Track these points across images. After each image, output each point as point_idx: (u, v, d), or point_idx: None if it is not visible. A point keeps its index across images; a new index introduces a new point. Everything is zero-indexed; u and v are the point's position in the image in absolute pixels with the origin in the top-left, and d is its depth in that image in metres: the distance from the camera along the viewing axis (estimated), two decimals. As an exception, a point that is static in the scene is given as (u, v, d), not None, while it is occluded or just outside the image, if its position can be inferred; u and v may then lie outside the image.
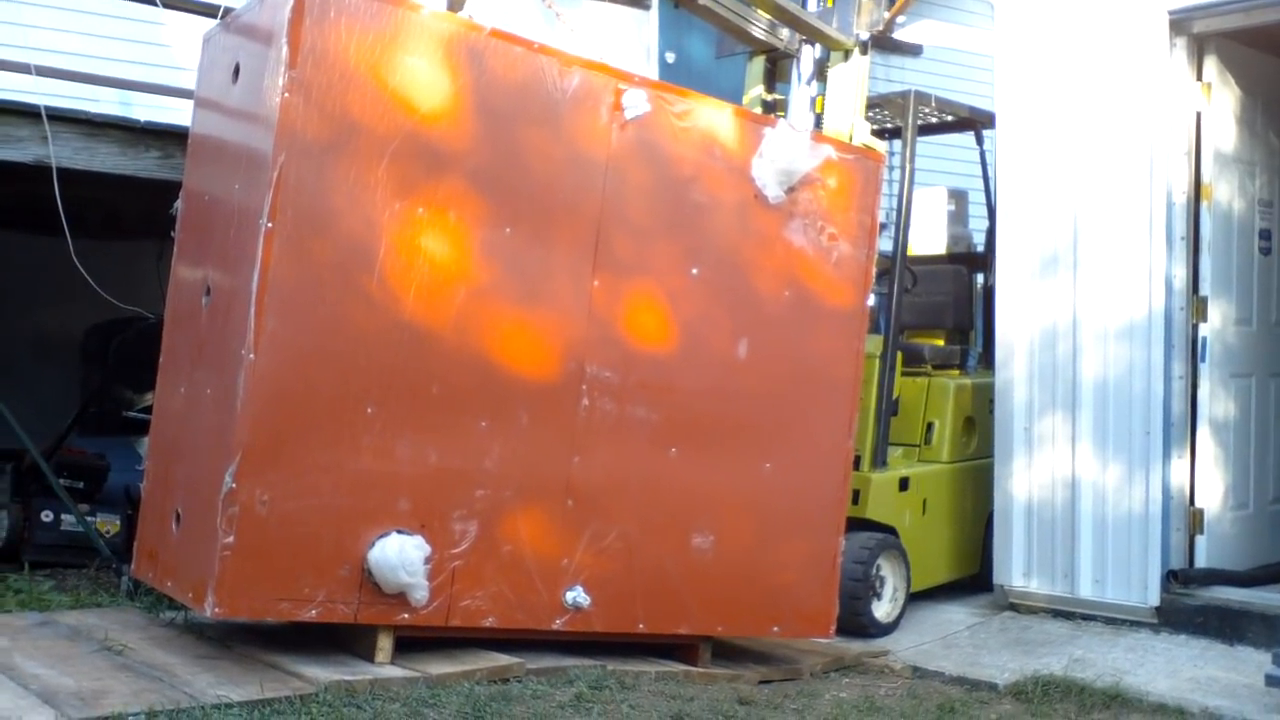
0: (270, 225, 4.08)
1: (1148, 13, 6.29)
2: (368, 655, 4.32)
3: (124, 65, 7.26)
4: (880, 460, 6.46)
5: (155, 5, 6.58)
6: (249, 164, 4.34)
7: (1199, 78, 6.40)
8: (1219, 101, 6.44)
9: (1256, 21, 6.16)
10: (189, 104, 5.19)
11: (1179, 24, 6.28)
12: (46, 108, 5.87)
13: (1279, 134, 6.88)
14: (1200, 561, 6.27)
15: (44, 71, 6.18)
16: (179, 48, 7.40)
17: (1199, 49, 6.40)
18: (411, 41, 4.32)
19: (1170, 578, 6.15)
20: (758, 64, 6.54)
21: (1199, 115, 6.38)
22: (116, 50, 7.46)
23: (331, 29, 4.17)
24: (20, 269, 8.73)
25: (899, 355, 6.68)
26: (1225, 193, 6.48)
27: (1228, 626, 5.92)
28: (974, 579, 6.94)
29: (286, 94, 4.10)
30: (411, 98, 4.34)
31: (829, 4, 6.40)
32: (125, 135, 6.14)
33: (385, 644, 4.33)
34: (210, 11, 6.16)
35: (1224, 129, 6.48)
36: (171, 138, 6.04)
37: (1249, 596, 6.06)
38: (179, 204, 5.03)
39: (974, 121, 7.55)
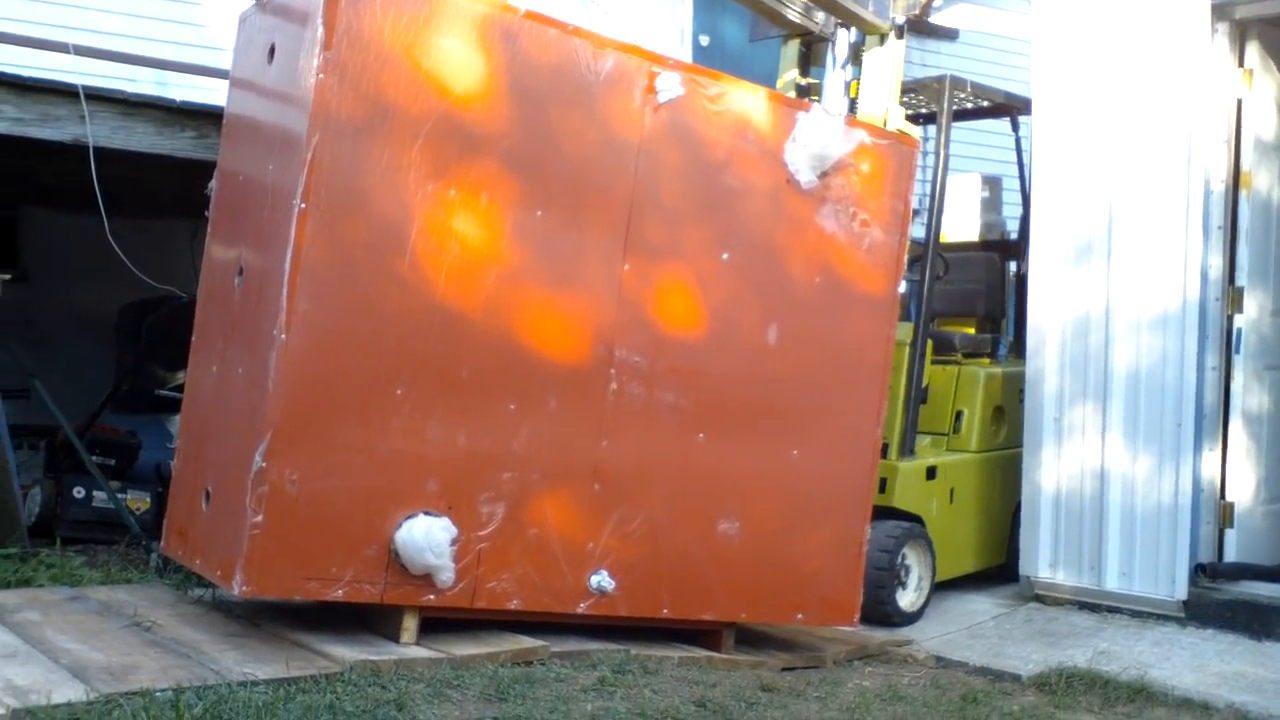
0: (304, 206, 4.10)
1: (1189, -1, 6.21)
2: (393, 635, 4.35)
3: (161, 45, 7.32)
4: (908, 448, 6.44)
5: (191, -15, 6.61)
6: (283, 144, 4.36)
7: (1240, 64, 6.31)
8: (1261, 88, 6.35)
9: (1300, 8, 6.08)
10: (224, 84, 5.22)
11: (1221, 9, 6.19)
12: (84, 87, 5.92)
13: (1321, 123, 6.79)
14: (1230, 555, 6.22)
15: (82, 51, 6.24)
16: (215, 28, 7.43)
17: (1241, 35, 6.31)
18: (446, 23, 4.32)
19: (1199, 571, 6.10)
20: (792, 48, 6.50)
21: (1239, 102, 6.30)
22: (154, 30, 7.51)
23: (367, 10, 4.17)
24: (57, 247, 8.83)
25: (929, 343, 6.64)
26: (1265, 181, 6.40)
27: (1256, 622, 5.87)
28: (1000, 569, 6.92)
29: (321, 75, 4.11)
30: (445, 79, 4.34)
31: (865, -12, 6.35)
32: (161, 115, 6.18)
33: (410, 624, 4.36)
34: (247, -9, 6.18)
35: (1265, 116, 6.39)
36: (207, 118, 6.08)
37: (1278, 591, 6.01)
38: (213, 184, 5.06)
39: (1010, 107, 7.48)
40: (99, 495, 6.32)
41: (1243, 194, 6.27)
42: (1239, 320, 6.27)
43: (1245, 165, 6.27)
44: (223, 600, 4.81)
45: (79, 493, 6.39)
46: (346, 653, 4.15)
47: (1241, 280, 6.27)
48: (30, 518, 6.27)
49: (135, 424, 7.42)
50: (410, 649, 4.30)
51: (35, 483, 6.58)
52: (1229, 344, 6.27)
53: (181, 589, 5.10)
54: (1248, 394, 6.29)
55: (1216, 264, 6.23)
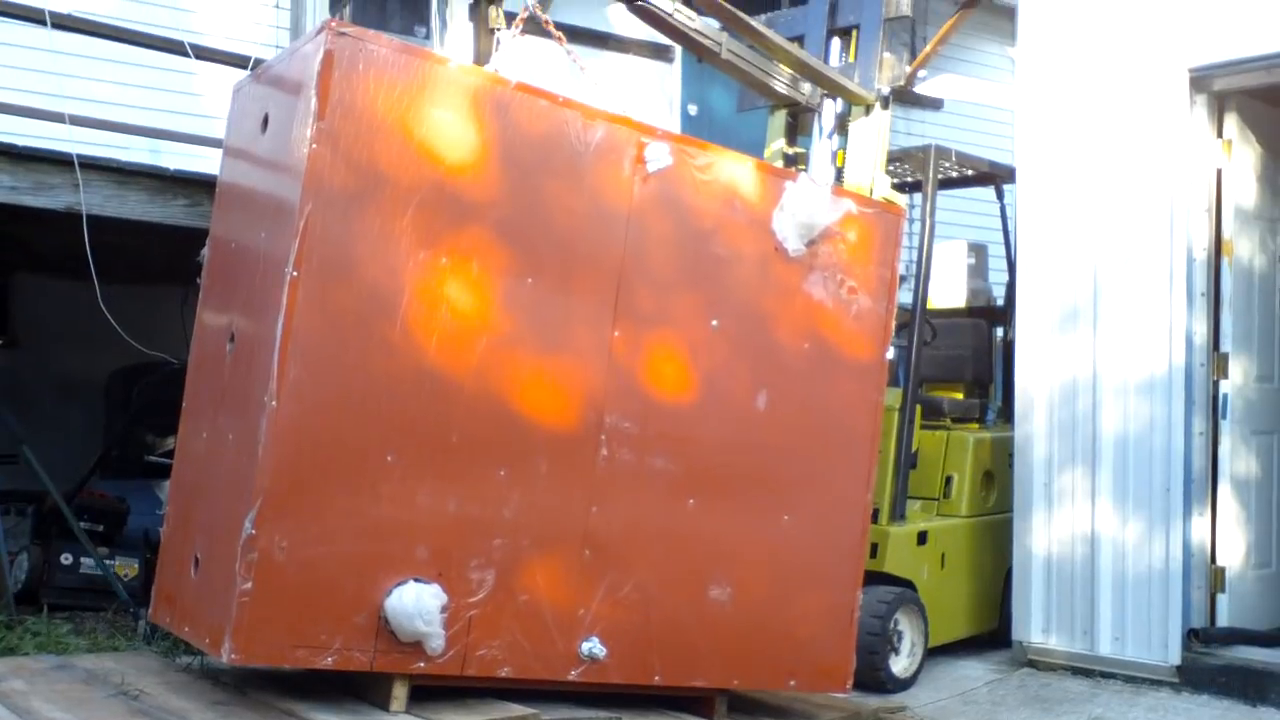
0: (295, 274, 4.12)
1: (1168, 70, 6.33)
2: (383, 704, 4.31)
3: (155, 114, 7.40)
4: (899, 513, 6.44)
5: (187, 56, 6.71)
6: (276, 212, 4.39)
7: (1219, 134, 6.43)
8: (1240, 158, 6.46)
9: (1277, 79, 6.19)
10: (218, 153, 5.28)
11: (1199, 81, 6.32)
12: (79, 156, 5.98)
13: (1300, 192, 6.90)
14: (1222, 620, 6.21)
15: (77, 121, 6.31)
16: (209, 98, 7.53)
17: (1219, 106, 6.43)
18: (438, 94, 4.38)
19: (1191, 636, 6.09)
20: (779, 117, 6.60)
21: (1219, 172, 6.40)
22: (148, 99, 7.60)
23: (360, 81, 4.23)
24: (48, 313, 8.85)
25: (918, 408, 6.68)
26: (1246, 249, 6.49)
27: (1250, 687, 5.86)
28: (993, 635, 6.90)
29: (314, 144, 4.16)
30: (437, 149, 4.39)
31: (850, 59, 6.47)
32: (155, 183, 6.24)
33: (400, 693, 4.32)
34: (240, 62, 6.30)
35: (1245, 185, 6.49)
36: (200, 186, 6.14)
37: (1272, 656, 6.00)
38: (205, 251, 5.09)
39: (994, 176, 7.59)
40: (87, 562, 6.28)
41: (1225, 261, 6.36)
42: (1224, 386, 6.33)
43: (1226, 233, 6.37)
44: (211, 668, 4.77)
45: (67, 559, 6.35)
46: (335, 722, 4.11)
47: (1226, 346, 6.34)
48: (17, 584, 6.22)
49: (124, 490, 7.39)
50: (400, 718, 4.26)
51: (22, 549, 6.54)
52: (1215, 409, 6.32)
53: (169, 656, 5.06)
54: (1235, 459, 6.33)
55: (1201, 330, 6.29)
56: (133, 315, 6.30)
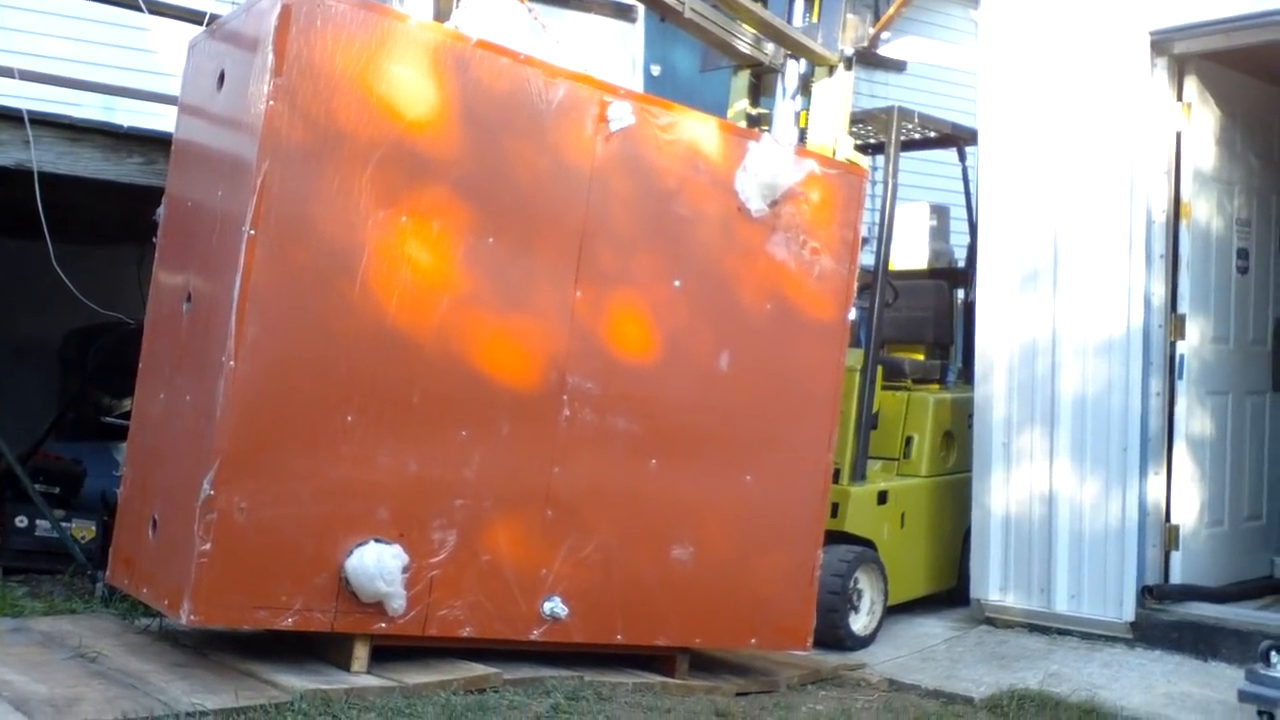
0: (253, 232, 4.08)
1: (1129, 33, 6.35)
2: (344, 664, 4.31)
3: (108, 70, 7.26)
4: (859, 474, 6.48)
5: (140, 11, 6.57)
6: (232, 170, 4.34)
7: (1179, 98, 6.46)
8: (1199, 121, 6.50)
9: (1236, 43, 6.22)
10: (173, 110, 5.19)
11: (1160, 45, 6.34)
12: (29, 112, 5.85)
13: (1258, 154, 6.95)
14: (1175, 578, 6.31)
15: (28, 76, 6.17)
16: (164, 54, 7.39)
17: (1179, 70, 6.46)
18: (398, 51, 4.33)
19: (1145, 593, 6.19)
20: (742, 78, 6.57)
21: (1179, 135, 6.44)
22: (101, 55, 7.45)
23: (318, 37, 4.17)
24: (0, 273, 8.70)
25: (879, 369, 6.71)
26: (1204, 212, 6.54)
27: (1202, 642, 5.96)
28: (951, 593, 6.97)
29: (271, 101, 4.10)
30: (397, 106, 4.34)
31: (814, 19, 6.44)
32: (108, 140, 6.13)
33: (361, 653, 4.32)
34: (196, 18, 6.16)
35: (1203, 149, 6.54)
36: (155, 143, 6.04)
37: (1223, 612, 6.10)
38: (161, 210, 5.02)
39: (956, 138, 7.60)
40: (43, 524, 6.21)
41: (1183, 224, 6.41)
42: (1181, 346, 6.39)
43: (1185, 196, 6.41)
44: (170, 629, 4.74)
45: (22, 522, 6.27)
46: (296, 682, 4.10)
47: (1183, 308, 6.40)
48: (-29, 549, 6.14)
49: (80, 452, 7.30)
50: (361, 678, 4.26)
51: (-24, 512, 6.46)
52: (1172, 370, 6.38)
53: (128, 619, 5.02)
54: (1191, 419, 6.41)
55: (1159, 292, 6.34)
56: (88, 275, 6.20)
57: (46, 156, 5.89)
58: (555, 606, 4.66)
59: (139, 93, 6.75)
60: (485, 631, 4.55)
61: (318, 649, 4.42)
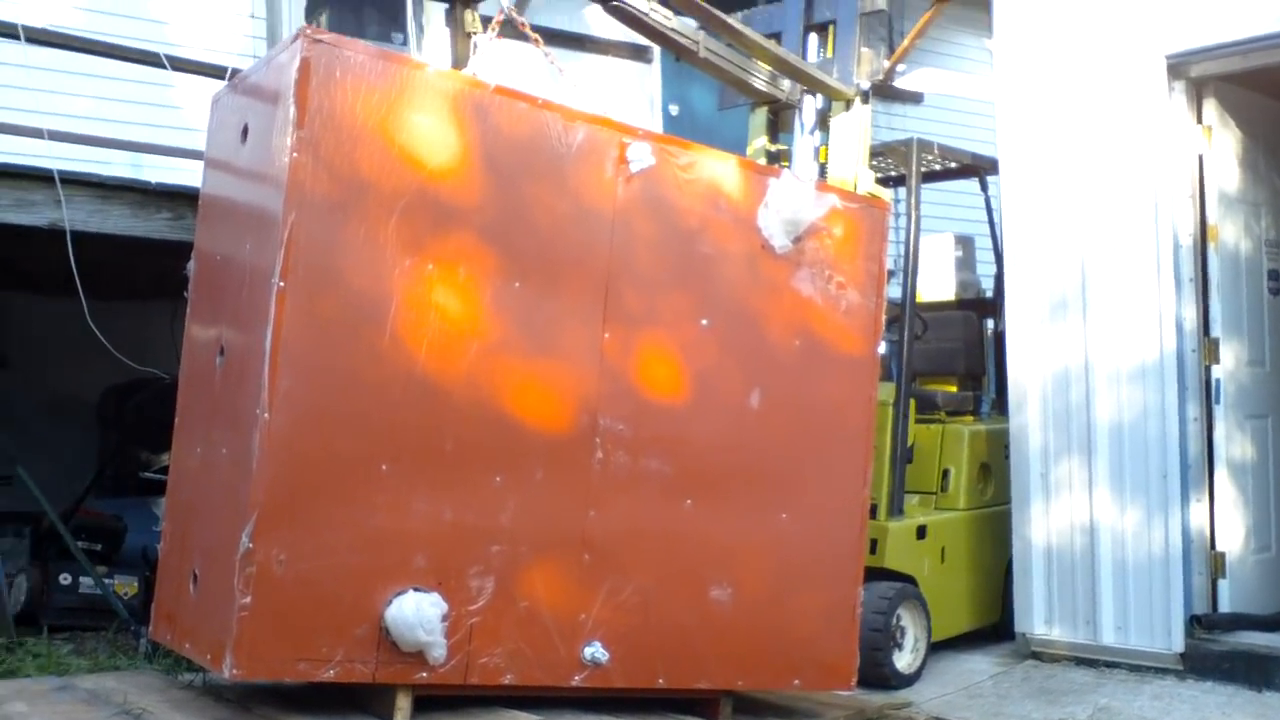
0: (282, 284, 4.09)
1: (1146, 57, 6.33)
2: (386, 714, 4.28)
3: (135, 128, 7.35)
4: (897, 508, 6.42)
5: (164, 68, 6.66)
6: (260, 223, 4.36)
7: (1199, 120, 6.43)
8: (1220, 144, 6.46)
9: (1254, 64, 6.20)
10: (199, 165, 5.24)
11: (1177, 68, 6.32)
12: (60, 172, 5.93)
13: (1283, 174, 6.91)
14: (1223, 606, 6.20)
15: (57, 136, 6.26)
16: (188, 109, 7.48)
17: (1198, 92, 6.44)
18: (417, 99, 4.36)
19: (1194, 622, 6.08)
20: (760, 115, 6.59)
21: (1201, 158, 6.41)
22: (127, 113, 7.56)
23: (338, 88, 4.20)
24: (36, 331, 8.80)
25: (912, 402, 6.66)
26: (1231, 234, 6.49)
27: (1255, 671, 5.85)
28: (995, 628, 6.88)
29: (295, 153, 4.13)
30: (419, 154, 4.36)
31: (828, 54, 6.46)
32: (137, 197, 6.20)
33: (404, 703, 4.28)
34: (218, 73, 6.25)
35: (1227, 171, 6.50)
36: (183, 199, 6.10)
37: (1275, 641, 5.99)
38: (191, 264, 5.06)
39: (977, 168, 7.58)
40: (85, 581, 6.24)
41: (1211, 247, 6.36)
42: (1217, 371, 6.32)
43: (1211, 219, 6.37)
44: (213, 684, 4.72)
45: (65, 579, 6.30)
46: (337, 735, 4.08)
47: (1216, 331, 6.34)
48: (16, 606, 6.17)
49: (121, 508, 7.35)
50: (402, 729, 4.23)
51: (20, 570, 6.49)
52: (1209, 395, 6.31)
53: (171, 674, 5.02)
54: (1230, 443, 6.32)
55: (1190, 316, 6.29)
56: (122, 331, 6.26)
57: (78, 215, 5.96)
58: (596, 651, 4.62)
59: (165, 149, 6.84)
60: (526, 679, 4.51)
61: (360, 700, 4.39)
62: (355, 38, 4.47)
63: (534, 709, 4.52)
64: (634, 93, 9.99)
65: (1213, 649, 6.00)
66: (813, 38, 6.58)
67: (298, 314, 4.12)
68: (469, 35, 5.40)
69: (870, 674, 5.70)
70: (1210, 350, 6.33)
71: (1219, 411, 6.30)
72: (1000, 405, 7.22)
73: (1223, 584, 6.21)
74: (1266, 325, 6.69)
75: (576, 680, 4.61)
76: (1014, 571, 6.64)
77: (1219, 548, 6.23)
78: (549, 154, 4.64)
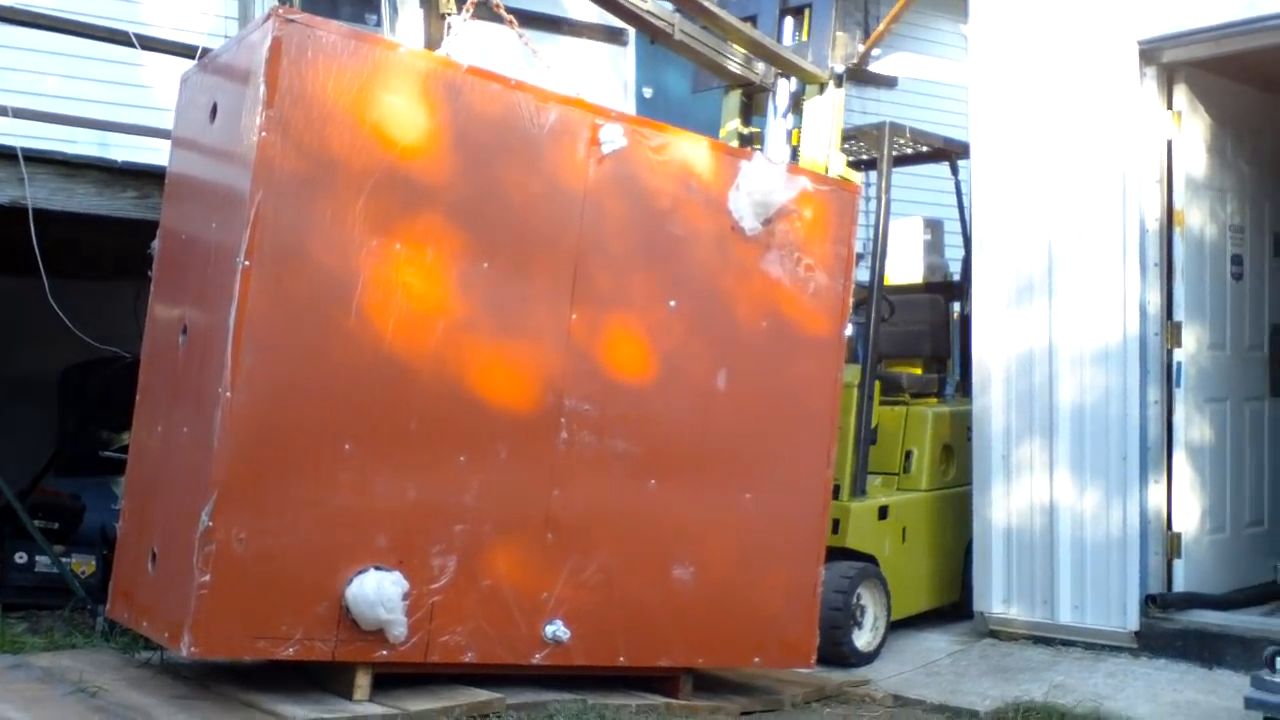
0: (247, 263, 4.09)
1: (1118, 43, 6.37)
2: (346, 693, 4.30)
3: (102, 106, 7.28)
4: (859, 489, 6.48)
5: (133, 46, 6.60)
6: (226, 202, 4.35)
7: (1169, 106, 6.48)
8: (1189, 129, 6.52)
9: (1225, 50, 6.25)
10: (166, 144, 5.21)
11: (1149, 54, 6.36)
12: (23, 149, 5.87)
13: (1249, 161, 6.97)
14: (1178, 585, 6.30)
15: (21, 113, 6.20)
16: (157, 88, 7.42)
17: (1169, 78, 6.49)
18: (390, 79, 4.35)
19: (1149, 602, 6.17)
20: (734, 98, 6.59)
21: (1170, 143, 6.46)
22: (94, 91, 7.48)
23: (309, 68, 4.19)
24: (-3, 309, 8.71)
25: (877, 384, 6.71)
26: (1197, 219, 6.55)
27: (1206, 650, 5.94)
28: (954, 606, 6.96)
29: (264, 132, 4.12)
30: (389, 134, 4.36)
31: (804, 38, 6.46)
32: (103, 175, 6.15)
33: (363, 681, 4.31)
34: (188, 52, 6.19)
35: (1195, 156, 6.56)
36: (149, 177, 6.05)
37: (1227, 620, 6.09)
38: (156, 243, 5.03)
39: (949, 152, 7.62)
40: (42, 560, 6.21)
41: (1177, 232, 6.42)
42: (1178, 354, 6.39)
43: (1178, 204, 6.43)
44: (171, 662, 4.73)
45: (21, 558, 6.26)
46: (299, 712, 4.09)
47: (1179, 315, 6.40)
48: (-29, 586, 6.13)
49: (79, 487, 7.30)
50: (364, 706, 4.25)
51: (-25, 549, 6.45)
52: (1170, 378, 6.38)
53: (128, 652, 5.01)
54: (1190, 426, 6.41)
55: (1155, 300, 6.35)
56: (84, 310, 6.21)
57: (41, 193, 5.91)
58: (557, 630, 4.65)
59: (132, 128, 6.77)
60: (487, 657, 4.54)
61: (320, 679, 4.41)
62: (329, 18, 4.45)
63: (494, 686, 4.56)
64: (608, 75, 9.96)
65: (1166, 628, 6.10)
66: (788, 21, 6.58)
67: (263, 293, 4.12)
68: (443, 16, 5.38)
69: (830, 652, 5.76)
70: (1173, 334, 6.40)
71: (1179, 394, 6.38)
72: (964, 387, 7.28)
73: (1178, 564, 6.31)
74: (1229, 310, 6.77)
75: (538, 658, 4.64)
76: (974, 551, 6.72)
77: (1175, 529, 6.32)
78: (521, 135, 4.64)
